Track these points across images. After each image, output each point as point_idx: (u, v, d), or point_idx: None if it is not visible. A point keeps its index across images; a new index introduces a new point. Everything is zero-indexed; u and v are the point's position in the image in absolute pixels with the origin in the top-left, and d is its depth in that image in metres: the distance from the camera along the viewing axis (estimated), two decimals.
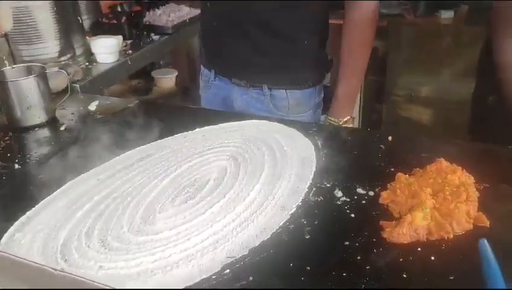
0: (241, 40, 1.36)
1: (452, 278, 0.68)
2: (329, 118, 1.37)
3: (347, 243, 0.76)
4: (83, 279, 0.40)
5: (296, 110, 1.39)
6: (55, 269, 0.39)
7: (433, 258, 0.72)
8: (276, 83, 1.37)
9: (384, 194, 0.86)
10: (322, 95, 1.48)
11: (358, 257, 0.73)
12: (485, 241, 0.65)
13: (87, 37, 1.88)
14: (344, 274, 0.70)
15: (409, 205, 0.81)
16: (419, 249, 0.74)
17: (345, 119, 1.34)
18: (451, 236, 0.75)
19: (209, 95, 1.55)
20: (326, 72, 1.48)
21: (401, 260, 0.72)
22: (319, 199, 0.87)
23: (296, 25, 1.33)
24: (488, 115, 1.30)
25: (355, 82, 1.38)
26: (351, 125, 1.35)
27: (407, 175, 0.89)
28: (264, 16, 1.32)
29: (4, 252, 0.45)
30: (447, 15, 2.69)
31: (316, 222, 0.81)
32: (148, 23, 2.20)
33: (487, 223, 0.77)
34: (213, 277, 0.70)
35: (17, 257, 0.43)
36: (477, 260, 0.65)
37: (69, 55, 1.72)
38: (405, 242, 0.75)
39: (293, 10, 1.31)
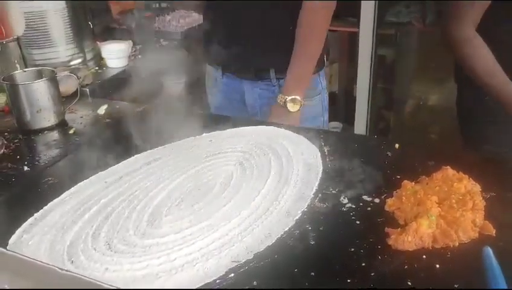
0: (246, 35, 1.41)
1: (457, 286, 0.67)
2: (280, 95, 1.38)
3: (352, 249, 0.76)
4: (89, 279, 0.40)
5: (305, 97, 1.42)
6: (62, 269, 0.39)
7: (438, 266, 0.71)
8: (283, 72, 1.41)
9: (389, 201, 0.86)
10: (326, 82, 1.53)
11: (363, 264, 0.72)
12: (489, 249, 0.65)
13: (98, 42, 1.90)
14: (348, 280, 0.70)
15: (414, 212, 0.81)
16: (424, 256, 0.74)
17: (290, 98, 1.35)
18: (457, 244, 0.75)
19: (217, 93, 1.59)
20: (326, 58, 1.52)
21: (406, 267, 0.72)
22: (325, 205, 0.87)
23: (296, 14, 1.36)
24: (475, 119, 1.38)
25: (306, 66, 1.40)
26: (297, 107, 1.35)
27: (413, 183, 0.89)
28: (267, 8, 1.36)
29: (12, 251, 0.46)
30: None
31: (321, 228, 0.81)
32: (158, 28, 2.22)
33: (493, 231, 0.77)
34: (217, 281, 0.71)
35: (25, 256, 0.43)
36: (482, 268, 0.65)
37: (79, 60, 1.74)
38: (410, 249, 0.75)
39: None
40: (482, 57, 1.24)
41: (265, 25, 1.39)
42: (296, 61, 1.37)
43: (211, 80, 1.61)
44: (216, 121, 1.28)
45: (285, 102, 1.36)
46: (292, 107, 1.35)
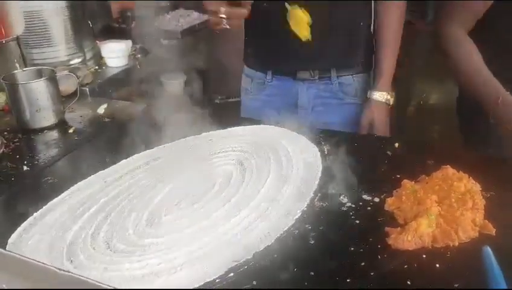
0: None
1: (457, 286, 0.67)
2: (378, 93, 1.41)
3: (352, 249, 0.76)
4: (86, 279, 0.40)
5: (362, 95, 1.46)
6: (60, 269, 0.39)
7: (438, 265, 0.71)
8: (344, 71, 1.44)
9: (389, 200, 0.85)
10: None
11: (363, 263, 0.72)
12: (489, 249, 0.65)
13: (97, 41, 1.90)
14: (348, 280, 0.69)
15: (414, 211, 0.81)
16: (424, 256, 0.74)
17: (391, 93, 1.42)
18: (457, 244, 0.75)
19: (263, 96, 1.54)
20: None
21: (405, 266, 0.72)
22: (324, 205, 0.87)
23: (358, 11, 1.40)
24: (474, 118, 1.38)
25: (393, 62, 1.45)
26: (392, 101, 1.43)
27: (413, 182, 0.89)
28: (328, 6, 1.36)
29: (10, 251, 0.46)
30: None
31: (320, 228, 0.81)
32: (157, 27, 2.22)
33: (493, 231, 0.77)
34: (217, 280, 0.70)
35: (23, 256, 0.43)
36: (482, 268, 0.65)
37: (79, 59, 1.74)
38: (410, 249, 0.74)
39: None
40: (467, 59, 1.24)
41: (329, 24, 1.37)
42: (385, 59, 1.42)
43: (255, 84, 1.54)
44: (216, 120, 1.27)
45: (387, 98, 1.41)
46: (391, 102, 1.43)
